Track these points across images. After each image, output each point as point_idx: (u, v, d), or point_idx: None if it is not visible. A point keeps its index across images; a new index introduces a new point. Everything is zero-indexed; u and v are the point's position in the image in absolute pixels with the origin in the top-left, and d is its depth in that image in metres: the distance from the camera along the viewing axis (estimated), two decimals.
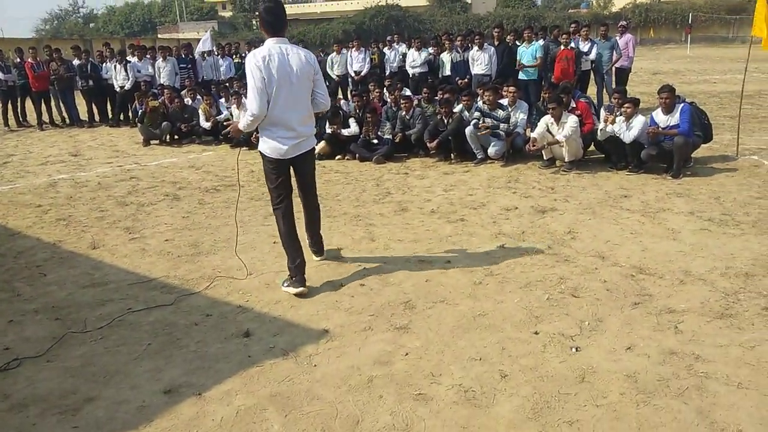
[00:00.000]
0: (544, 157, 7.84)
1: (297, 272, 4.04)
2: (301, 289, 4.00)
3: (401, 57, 12.83)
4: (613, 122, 7.25)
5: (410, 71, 12.27)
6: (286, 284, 4.09)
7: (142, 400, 2.90)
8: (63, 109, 13.58)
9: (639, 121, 7.07)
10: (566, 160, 7.59)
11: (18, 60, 13.00)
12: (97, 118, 13.58)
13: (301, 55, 3.83)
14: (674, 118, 6.91)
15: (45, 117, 13.27)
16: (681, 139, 6.76)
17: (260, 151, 4.02)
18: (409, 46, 12.78)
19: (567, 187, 6.81)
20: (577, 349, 3.25)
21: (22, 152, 10.32)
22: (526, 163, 8.01)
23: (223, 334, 3.55)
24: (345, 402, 2.82)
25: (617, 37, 11.63)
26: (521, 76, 10.76)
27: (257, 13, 4.00)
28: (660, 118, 7.07)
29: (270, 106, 3.76)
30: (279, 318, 3.73)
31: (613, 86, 10.98)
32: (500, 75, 10.86)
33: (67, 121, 13.60)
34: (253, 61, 3.70)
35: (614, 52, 11.26)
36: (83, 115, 13.62)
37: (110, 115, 13.55)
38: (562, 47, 10.58)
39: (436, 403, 2.79)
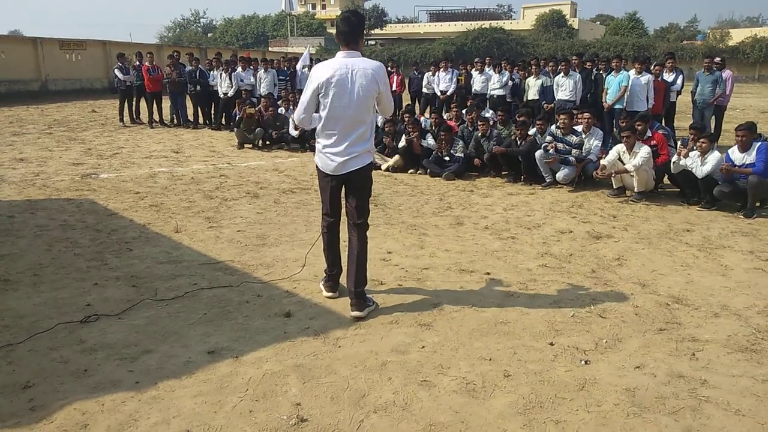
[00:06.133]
0: (614, 186, 7.84)
1: (330, 280, 4.27)
2: (330, 294, 4.23)
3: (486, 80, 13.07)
4: (686, 156, 7.16)
5: (490, 93, 12.61)
6: (322, 282, 4.36)
7: (189, 357, 3.38)
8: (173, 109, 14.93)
9: (714, 157, 6.96)
10: (636, 190, 7.56)
11: (137, 63, 14.45)
12: (201, 120, 14.79)
13: (368, 72, 3.78)
14: (750, 157, 6.74)
15: (155, 116, 14.62)
16: (755, 179, 6.58)
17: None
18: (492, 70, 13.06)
19: (630, 216, 6.80)
20: (586, 362, 3.41)
21: (131, 146, 11.50)
22: (595, 191, 8.02)
23: (267, 312, 4.00)
24: (357, 379, 3.16)
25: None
26: (610, 103, 10.65)
27: (335, 25, 4.03)
28: (736, 155, 6.91)
29: (322, 121, 3.88)
30: (319, 305, 4.13)
31: (713, 123, 10.62)
32: (583, 102, 10.88)
33: (175, 121, 14.89)
34: (314, 73, 3.86)
35: (717, 86, 10.79)
36: (190, 116, 14.87)
37: (213, 119, 14.70)
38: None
39: (438, 390, 3.07)
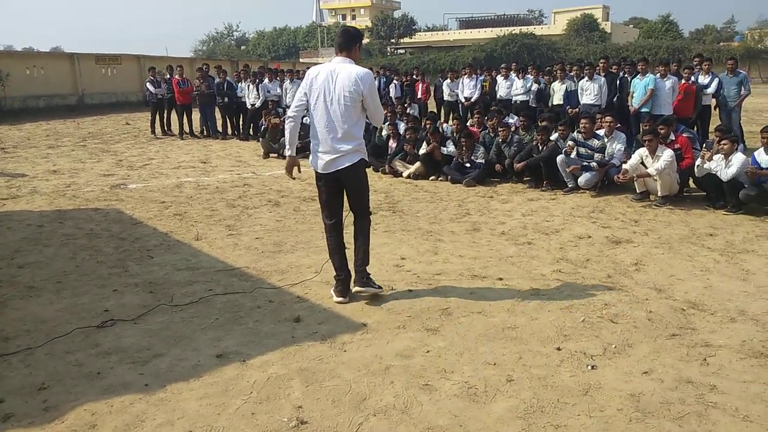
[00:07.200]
0: (637, 190, 7.72)
1: (339, 284, 4.32)
2: (340, 299, 4.28)
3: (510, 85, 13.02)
4: (710, 159, 7.02)
5: (513, 99, 12.58)
6: (333, 288, 4.40)
7: (198, 360, 3.47)
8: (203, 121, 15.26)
9: (738, 159, 6.79)
10: (660, 194, 7.43)
11: (168, 76, 14.84)
12: (229, 131, 15.07)
13: (351, 76, 3.98)
14: None
15: (186, 128, 14.94)
16: None
17: None
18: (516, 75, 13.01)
19: (652, 221, 6.69)
20: (593, 367, 3.38)
21: (161, 157, 11.80)
22: (618, 196, 7.91)
23: (278, 317, 4.07)
24: (359, 382, 3.19)
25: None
26: (637, 106, 10.48)
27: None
28: (762, 157, 6.75)
29: (310, 119, 4.18)
30: (328, 310, 4.18)
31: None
32: (609, 106, 10.73)
33: (205, 132, 15.21)
34: (307, 74, 4.21)
35: (743, 87, 10.63)
36: (219, 128, 15.17)
37: (241, 130, 14.98)
38: (683, 81, 10.28)
39: (439, 393, 3.08)
